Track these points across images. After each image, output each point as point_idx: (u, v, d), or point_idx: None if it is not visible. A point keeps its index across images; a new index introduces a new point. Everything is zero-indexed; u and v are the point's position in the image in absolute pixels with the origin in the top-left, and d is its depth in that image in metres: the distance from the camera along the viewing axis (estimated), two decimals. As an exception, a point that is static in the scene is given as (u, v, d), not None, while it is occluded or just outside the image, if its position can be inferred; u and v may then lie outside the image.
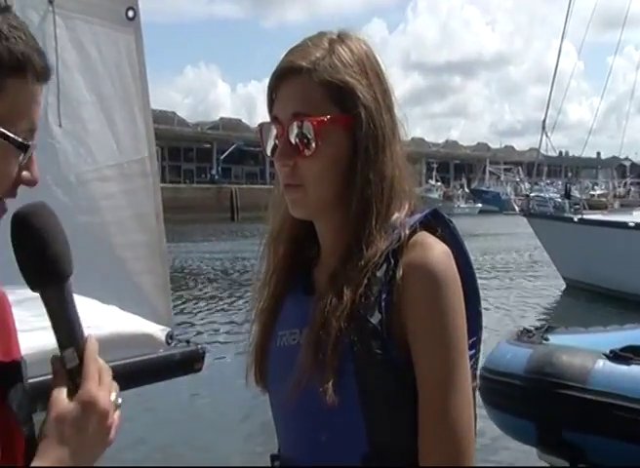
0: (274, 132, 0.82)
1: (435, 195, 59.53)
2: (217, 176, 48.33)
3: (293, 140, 0.80)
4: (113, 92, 1.94)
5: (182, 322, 8.16)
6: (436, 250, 0.78)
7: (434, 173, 61.64)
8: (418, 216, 0.83)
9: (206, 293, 11.10)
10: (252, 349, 0.87)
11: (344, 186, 0.81)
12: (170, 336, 1.87)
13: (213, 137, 53.20)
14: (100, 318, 1.68)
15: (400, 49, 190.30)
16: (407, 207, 0.84)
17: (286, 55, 0.83)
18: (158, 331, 1.88)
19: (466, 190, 61.91)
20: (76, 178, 1.97)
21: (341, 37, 0.83)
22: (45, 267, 0.62)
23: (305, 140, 0.79)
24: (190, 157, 60.86)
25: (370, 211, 0.80)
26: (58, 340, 0.64)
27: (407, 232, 0.80)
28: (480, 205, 59.73)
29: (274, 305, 0.87)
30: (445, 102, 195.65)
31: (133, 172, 2.01)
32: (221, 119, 51.73)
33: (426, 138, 70.01)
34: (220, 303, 10.06)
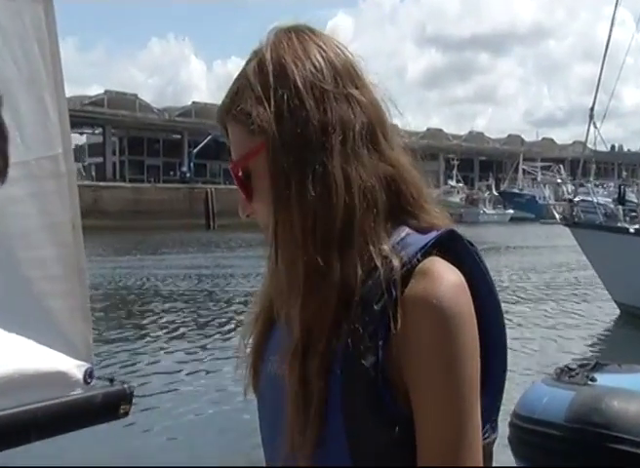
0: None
1: (456, 199, 59.70)
2: (188, 174, 48.26)
3: (241, 190, 0.86)
4: (17, 74, 1.79)
5: (113, 355, 8.13)
6: (446, 281, 0.77)
7: (455, 171, 62.10)
8: (430, 236, 0.81)
9: (154, 321, 10.94)
10: (247, 368, 0.92)
11: (298, 212, 0.82)
12: (89, 374, 1.79)
13: (184, 126, 53.31)
14: (0, 351, 1.62)
15: (413, 19, 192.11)
16: (418, 218, 0.84)
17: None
18: (74, 367, 1.79)
19: (495, 193, 62.22)
20: None
21: (258, 52, 0.85)
22: None
23: (248, 187, 0.85)
24: (156, 150, 61.02)
25: (352, 231, 0.80)
26: None
27: (413, 258, 0.78)
28: (511, 211, 59.97)
29: (264, 327, 0.90)
30: (469, 85, 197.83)
31: (43, 172, 1.85)
32: (194, 104, 51.48)
33: (445, 129, 70.44)
34: (168, 335, 9.85)
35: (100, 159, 50.79)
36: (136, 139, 54.53)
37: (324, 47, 0.85)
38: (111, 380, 1.87)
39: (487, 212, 58.34)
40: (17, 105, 1.80)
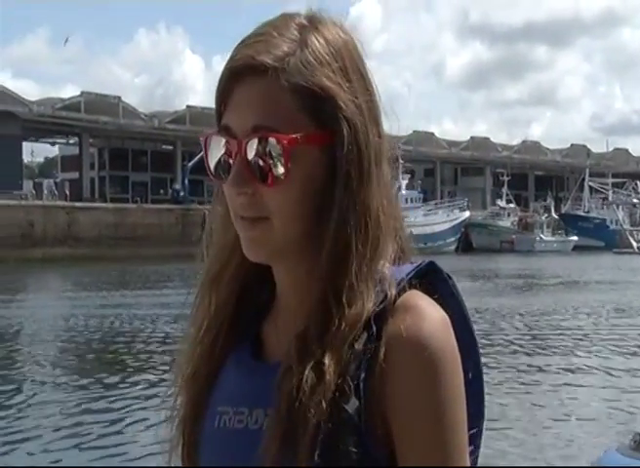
0: (225, 147, 0.86)
1: (506, 223, 59.56)
2: (182, 193, 48.71)
3: (252, 162, 0.84)
4: None
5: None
6: (431, 318, 0.82)
7: (504, 189, 61.94)
8: (408, 268, 0.87)
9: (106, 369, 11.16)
10: (177, 426, 0.92)
11: (317, 222, 0.85)
12: None
13: (176, 135, 53.97)
14: None
15: (454, 5, 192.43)
16: (393, 251, 0.89)
17: (241, 46, 0.86)
18: None
19: (554, 216, 62.03)
20: None
21: (314, 23, 0.87)
22: None
23: (271, 163, 0.83)
24: (142, 164, 61.76)
25: (350, 254, 0.84)
26: None
27: (393, 292, 0.83)
28: (575, 238, 59.70)
29: (209, 371, 0.91)
30: (522, 85, 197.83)
31: None
32: (189, 108, 52.24)
33: (493, 138, 70.82)
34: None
35: (75, 174, 51.36)
36: (118, 151, 55.39)
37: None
38: None
39: (544, 238, 58.11)
40: None
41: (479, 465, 0.86)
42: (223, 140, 0.86)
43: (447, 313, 0.84)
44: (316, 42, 0.85)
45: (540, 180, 74.61)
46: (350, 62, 0.87)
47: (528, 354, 12.45)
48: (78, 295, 21.12)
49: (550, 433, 7.91)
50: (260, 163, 0.84)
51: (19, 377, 10.70)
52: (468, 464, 0.83)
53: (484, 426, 0.89)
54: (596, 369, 10.93)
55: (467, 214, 57.22)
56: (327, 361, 0.81)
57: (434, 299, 0.85)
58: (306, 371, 0.81)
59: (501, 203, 60.98)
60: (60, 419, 8.33)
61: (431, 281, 0.88)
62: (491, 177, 69.23)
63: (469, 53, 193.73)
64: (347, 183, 0.84)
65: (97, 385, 9.72)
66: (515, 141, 74.20)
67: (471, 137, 68.92)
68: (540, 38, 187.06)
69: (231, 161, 0.85)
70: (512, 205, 61.17)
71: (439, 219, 55.14)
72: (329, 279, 0.84)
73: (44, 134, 54.52)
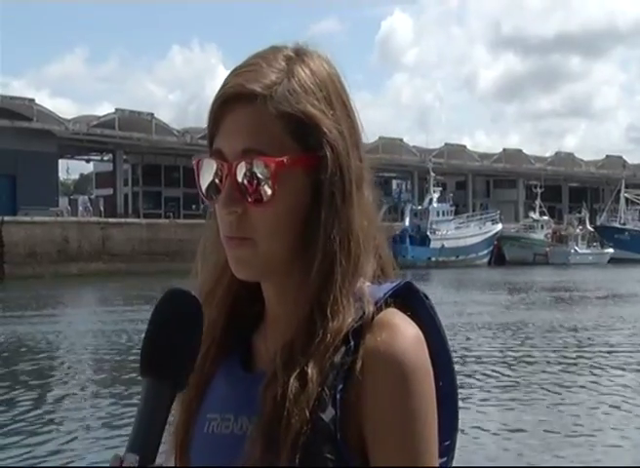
0: (216, 170, 0.92)
1: (540, 235, 58.73)
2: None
3: (242, 183, 0.90)
4: None
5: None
6: (405, 334, 0.87)
7: (538, 201, 61.12)
8: (387, 287, 0.92)
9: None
10: (172, 432, 0.98)
11: (301, 241, 0.91)
12: None
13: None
14: None
15: (485, 17, 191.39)
16: (372, 269, 0.94)
17: (233, 75, 0.92)
18: None
19: (589, 228, 61.07)
20: None
21: (300, 55, 0.94)
22: (151, 355, 0.84)
23: (258, 184, 0.89)
24: (175, 179, 62.26)
25: (334, 270, 0.90)
26: (130, 438, 0.83)
27: (371, 309, 0.88)
28: (611, 250, 58.83)
29: (201, 381, 0.97)
30: (555, 95, 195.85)
31: None
32: (221, 124, 52.98)
33: (526, 150, 70.09)
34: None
35: (109, 190, 52.06)
36: (151, 167, 55.97)
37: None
38: None
39: (579, 251, 57.21)
40: None
41: (459, 465, 0.92)
42: (215, 163, 0.91)
43: (423, 331, 0.89)
44: (302, 72, 0.92)
45: (575, 192, 73.59)
46: (334, 92, 0.93)
47: (563, 370, 12.24)
48: (113, 310, 21.35)
49: (588, 452, 7.76)
50: (249, 184, 0.89)
51: (55, 392, 10.84)
52: None
53: (457, 439, 0.94)
54: (630, 387, 10.70)
55: (500, 226, 56.58)
56: (310, 371, 0.86)
57: (410, 317, 0.90)
58: (291, 380, 0.86)
59: (535, 215, 60.20)
60: (96, 433, 8.41)
61: (409, 300, 0.92)
62: (524, 190, 68.52)
63: (502, 64, 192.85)
64: (332, 203, 0.90)
65: (132, 399, 9.79)
66: (548, 153, 73.43)
67: (504, 150, 68.33)
68: (574, 48, 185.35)
69: (221, 183, 0.91)
70: (546, 217, 60.35)
71: (471, 232, 54.62)
72: (316, 293, 0.89)
73: (79, 151, 55.36)
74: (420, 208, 54.28)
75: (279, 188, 0.89)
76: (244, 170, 0.89)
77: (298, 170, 0.90)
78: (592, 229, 61.50)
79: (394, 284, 0.93)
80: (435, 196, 54.29)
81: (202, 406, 0.96)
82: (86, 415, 9.25)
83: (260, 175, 0.89)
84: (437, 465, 0.88)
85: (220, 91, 0.92)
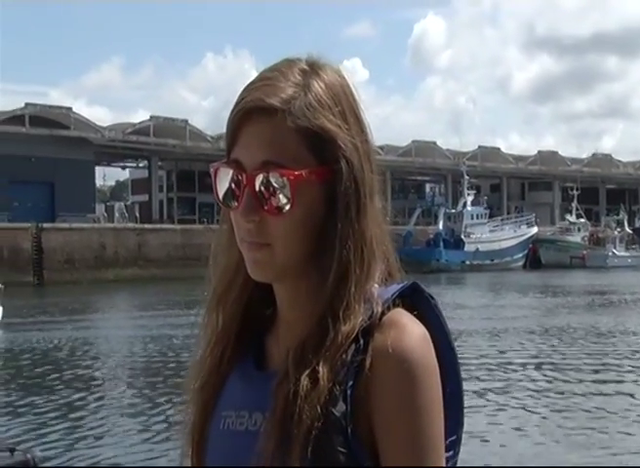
0: (234, 179, 0.96)
1: (577, 238, 57.81)
2: (246, 213, 49.91)
3: (260, 193, 0.94)
4: None
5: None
6: (412, 333, 0.92)
7: (574, 204, 60.23)
8: (394, 288, 0.97)
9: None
10: (188, 431, 1.02)
11: (316, 248, 0.95)
12: None
13: (241, 156, 54.56)
14: None
15: (519, 18, 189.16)
16: (381, 273, 0.98)
17: (251, 88, 0.96)
18: None
19: (628, 230, 60.07)
20: None
21: (314, 68, 0.98)
22: None
23: (276, 195, 0.94)
24: (209, 185, 61.66)
25: (349, 277, 0.94)
26: None
27: (379, 309, 0.93)
28: (650, 253, 58.03)
29: (217, 381, 1.01)
30: (592, 96, 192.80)
31: None
32: (254, 129, 53.30)
33: (562, 152, 69.18)
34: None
35: (145, 197, 52.70)
36: (186, 173, 56.30)
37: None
38: (12, 451, 1.88)
39: (617, 254, 56.23)
40: None
41: (460, 465, 0.97)
42: (232, 172, 0.96)
43: (428, 330, 0.93)
44: (317, 87, 0.95)
45: (612, 194, 72.42)
46: (347, 106, 0.97)
47: (601, 378, 12.04)
48: (148, 315, 21.58)
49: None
50: (267, 195, 0.93)
51: (93, 397, 10.99)
52: (443, 463, 0.92)
53: (462, 434, 0.98)
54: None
55: (535, 229, 55.92)
56: (321, 369, 0.90)
57: (416, 317, 0.94)
58: (303, 378, 0.90)
59: (571, 218, 59.34)
60: (132, 438, 8.49)
61: (415, 300, 0.97)
62: (559, 192, 67.65)
63: (536, 66, 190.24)
64: (347, 215, 0.94)
65: (168, 405, 9.88)
66: (585, 155, 72.36)
67: (538, 152, 67.58)
68: (611, 48, 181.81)
69: (239, 191, 0.95)
70: (582, 220, 59.43)
71: (506, 235, 54.06)
72: (329, 298, 0.93)
73: (115, 158, 56.17)
74: (453, 211, 53.87)
75: (296, 199, 0.93)
76: (263, 180, 0.93)
77: (314, 182, 0.94)
78: (631, 231, 60.44)
79: (401, 285, 0.97)
80: (469, 199, 53.85)
81: (218, 404, 1.00)
82: (122, 421, 9.36)
83: (277, 187, 0.93)
84: (443, 459, 0.92)
85: (238, 104, 0.95)
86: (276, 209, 0.93)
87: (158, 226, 44.19)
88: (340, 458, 0.88)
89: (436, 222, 52.42)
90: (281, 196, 0.93)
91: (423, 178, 69.53)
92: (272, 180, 0.93)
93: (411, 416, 0.89)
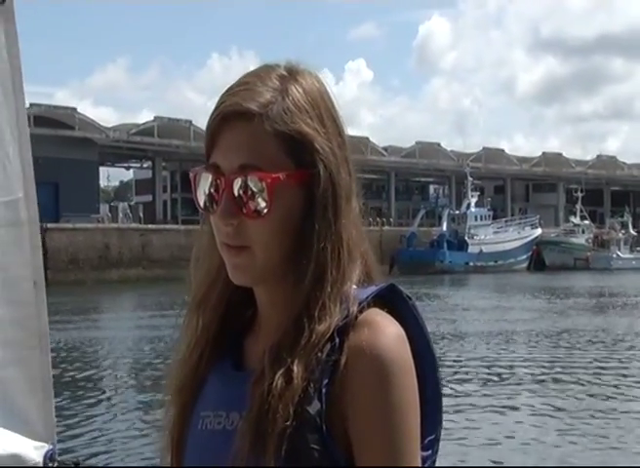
0: (213, 183, 0.97)
1: (581, 240, 57.66)
2: (250, 214, 49.79)
3: (238, 197, 0.95)
4: None
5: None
6: (387, 332, 0.93)
7: (579, 205, 60.01)
8: (371, 289, 0.98)
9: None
10: (168, 432, 1.04)
11: (294, 250, 0.96)
12: (50, 457, 1.79)
13: (245, 157, 54.41)
14: None
15: (525, 20, 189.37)
16: (359, 274, 0.99)
17: (229, 93, 0.97)
18: (32, 449, 1.79)
19: (632, 232, 59.88)
20: None
21: (293, 74, 0.99)
22: None
23: (254, 198, 0.95)
24: (212, 186, 62.32)
25: (325, 277, 0.95)
26: None
27: (355, 309, 0.94)
28: (655, 255, 57.84)
29: (195, 382, 1.02)
30: (597, 98, 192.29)
31: None
32: (258, 130, 53.12)
33: (566, 154, 69.10)
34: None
35: (148, 197, 52.70)
36: (189, 174, 56.14)
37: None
38: (77, 464, 1.90)
39: (622, 256, 56.06)
40: None
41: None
42: (211, 176, 0.97)
43: (406, 330, 0.94)
44: (295, 91, 0.97)
45: (617, 196, 72.27)
46: (325, 110, 0.98)
47: (604, 379, 12.02)
48: (153, 315, 21.59)
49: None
50: (246, 198, 0.95)
51: (97, 396, 11.00)
52: (418, 463, 0.93)
53: (441, 433, 0.99)
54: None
55: (539, 231, 55.80)
56: (296, 368, 0.91)
57: (394, 317, 0.95)
58: (277, 377, 0.91)
59: (575, 220, 59.21)
60: (134, 439, 8.50)
61: (393, 301, 0.98)
62: (564, 194, 67.49)
63: (542, 68, 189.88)
64: (324, 216, 0.96)
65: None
66: (590, 157, 72.27)
67: (543, 153, 67.45)
68: (617, 50, 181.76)
69: (217, 195, 0.96)
70: (587, 221, 59.30)
71: (510, 237, 53.96)
72: (305, 299, 0.95)
73: (119, 158, 56.21)
74: (457, 212, 53.79)
75: (274, 202, 0.94)
76: (241, 184, 0.94)
77: (292, 185, 0.95)
78: (635, 233, 60.25)
79: (378, 286, 0.98)
80: (473, 201, 53.76)
81: (197, 405, 1.01)
82: (124, 419, 9.37)
83: (255, 190, 0.94)
84: (418, 457, 0.93)
85: (217, 108, 0.97)
86: (254, 212, 0.94)
87: (162, 227, 44.18)
88: (314, 456, 0.89)
89: (440, 224, 52.36)
90: (259, 199, 0.94)
91: (427, 180, 69.42)
92: (250, 184, 0.94)
93: (385, 414, 0.90)
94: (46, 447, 1.83)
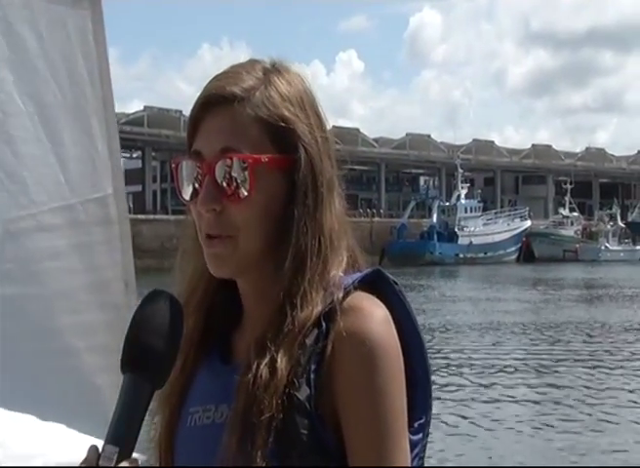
0: (195, 171, 0.96)
1: (570, 232, 58.03)
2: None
3: (220, 181, 0.94)
4: (59, 97, 1.72)
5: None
6: (372, 315, 0.93)
7: (568, 197, 60.32)
8: (356, 275, 0.98)
9: None
10: (157, 432, 1.04)
11: (275, 237, 0.96)
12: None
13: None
14: (42, 442, 1.56)
15: (515, 13, 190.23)
16: (344, 263, 0.99)
17: (213, 81, 0.97)
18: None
19: (620, 224, 60.28)
20: (2, 228, 1.73)
21: (277, 67, 1.00)
22: (131, 352, 0.89)
23: (237, 182, 0.94)
24: (203, 176, 62.33)
25: (305, 264, 0.95)
26: (109, 430, 0.87)
27: (340, 294, 0.94)
28: (643, 247, 58.24)
29: (184, 380, 1.02)
30: (586, 91, 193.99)
31: (89, 217, 1.79)
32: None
33: (555, 146, 69.40)
34: None
35: (138, 187, 52.43)
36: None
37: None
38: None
39: (610, 248, 56.46)
40: (59, 136, 1.72)
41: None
42: (193, 165, 0.96)
43: (393, 314, 0.95)
44: (279, 82, 0.98)
45: (606, 188, 72.60)
46: (308, 104, 0.99)
47: (593, 371, 12.08)
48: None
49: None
50: (228, 182, 0.94)
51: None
52: (406, 446, 0.93)
53: (431, 416, 0.99)
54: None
55: (528, 223, 56.04)
56: (279, 358, 0.92)
57: (381, 301, 0.95)
58: (261, 368, 0.91)
59: (564, 212, 59.52)
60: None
61: (379, 286, 0.98)
62: (553, 186, 67.77)
63: (532, 60, 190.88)
64: (304, 203, 0.96)
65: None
66: (579, 149, 72.70)
67: (533, 145, 67.66)
68: (607, 43, 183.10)
69: (199, 182, 0.95)
70: (576, 213, 59.63)
71: (499, 229, 54.18)
72: (287, 287, 0.94)
73: (109, 148, 55.78)
74: (447, 204, 53.95)
75: (255, 185, 0.93)
76: (222, 168, 0.94)
77: (274, 170, 0.95)
78: (623, 225, 60.63)
79: (364, 272, 0.98)
80: (463, 192, 53.90)
81: (185, 404, 1.01)
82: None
83: (237, 174, 0.93)
84: (405, 439, 0.93)
85: (200, 95, 0.97)
86: (236, 195, 0.93)
87: (152, 217, 44.04)
88: (304, 441, 0.90)
89: (430, 215, 52.48)
90: (241, 184, 0.93)
91: (418, 171, 69.52)
92: (232, 167, 0.93)
93: (371, 397, 0.91)
94: (142, 458, 1.85)
